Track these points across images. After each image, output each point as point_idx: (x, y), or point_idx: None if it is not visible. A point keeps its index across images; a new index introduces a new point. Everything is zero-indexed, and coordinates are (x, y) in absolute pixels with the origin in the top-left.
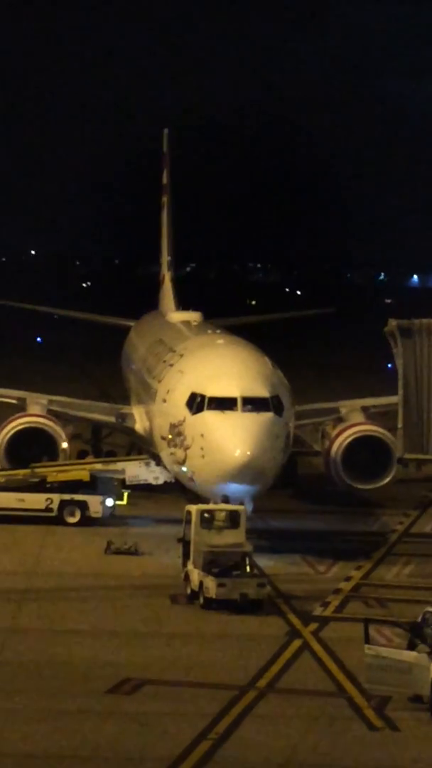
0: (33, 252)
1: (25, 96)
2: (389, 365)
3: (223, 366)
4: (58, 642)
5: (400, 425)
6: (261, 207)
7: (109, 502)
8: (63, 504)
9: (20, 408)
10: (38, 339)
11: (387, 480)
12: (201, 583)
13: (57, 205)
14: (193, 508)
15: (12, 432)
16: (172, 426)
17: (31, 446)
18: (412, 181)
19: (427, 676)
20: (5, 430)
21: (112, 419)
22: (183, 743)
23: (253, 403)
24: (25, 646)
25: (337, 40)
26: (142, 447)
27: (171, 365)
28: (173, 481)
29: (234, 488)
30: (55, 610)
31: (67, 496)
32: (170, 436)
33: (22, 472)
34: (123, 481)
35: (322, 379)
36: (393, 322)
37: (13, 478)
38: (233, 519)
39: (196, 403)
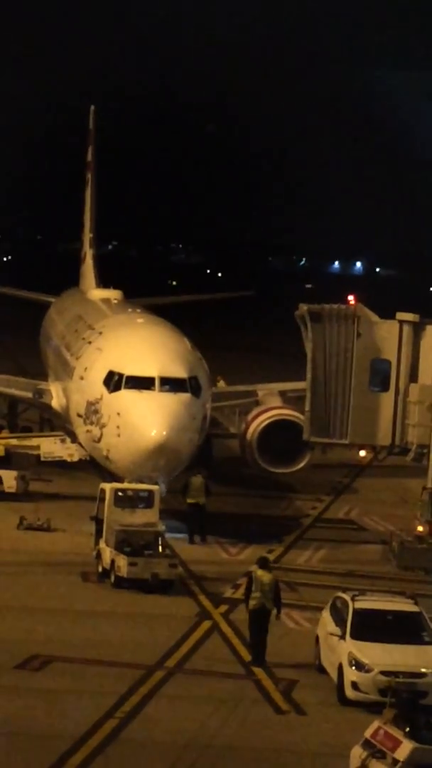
0: None
1: None
2: None
3: (142, 345)
4: None
5: (307, 408)
6: (185, 188)
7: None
8: None
9: None
10: None
11: (302, 464)
12: (113, 562)
13: None
14: (107, 487)
15: None
16: (89, 404)
17: None
18: (336, 167)
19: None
20: None
21: (29, 395)
22: (90, 721)
23: (170, 384)
24: None
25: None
26: (55, 423)
27: (89, 342)
28: (88, 458)
29: (149, 467)
30: None
31: None
32: (87, 414)
33: None
34: (38, 456)
35: (240, 361)
36: (303, 307)
37: None
38: (147, 498)
39: (114, 381)
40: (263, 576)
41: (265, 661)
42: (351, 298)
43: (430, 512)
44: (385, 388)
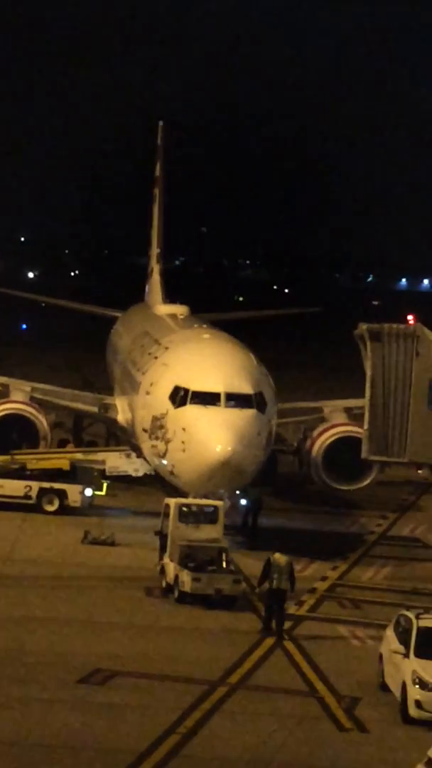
0: (22, 239)
1: (19, 82)
2: None
3: (208, 361)
4: (31, 630)
5: (366, 427)
6: (253, 204)
7: (88, 491)
8: (42, 492)
9: (2, 394)
10: (23, 326)
11: (367, 481)
12: (176, 577)
13: (48, 193)
14: (172, 502)
15: None
16: (155, 419)
17: (12, 433)
18: (405, 185)
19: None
20: None
21: (95, 409)
22: (152, 736)
23: (236, 399)
24: None
25: (340, 36)
26: (121, 438)
27: (156, 358)
28: (153, 473)
29: (213, 483)
30: (29, 598)
31: (46, 484)
32: (152, 429)
33: (1, 458)
34: (103, 471)
35: (306, 378)
36: (363, 326)
37: None
38: (212, 514)
39: (179, 396)
40: (280, 559)
41: (283, 634)
42: (410, 317)
43: None
44: None
